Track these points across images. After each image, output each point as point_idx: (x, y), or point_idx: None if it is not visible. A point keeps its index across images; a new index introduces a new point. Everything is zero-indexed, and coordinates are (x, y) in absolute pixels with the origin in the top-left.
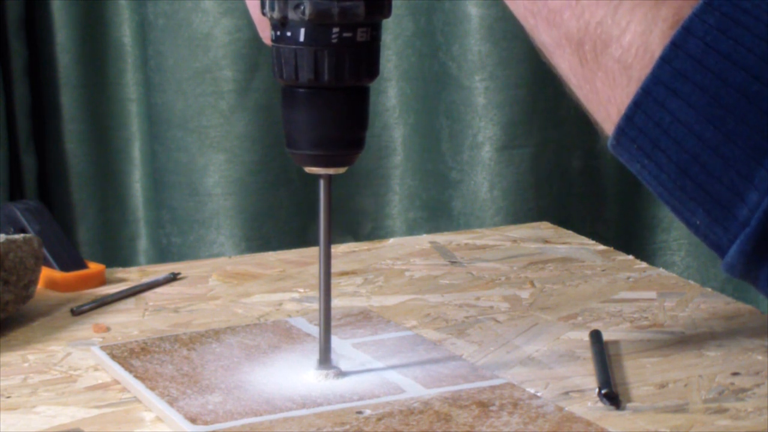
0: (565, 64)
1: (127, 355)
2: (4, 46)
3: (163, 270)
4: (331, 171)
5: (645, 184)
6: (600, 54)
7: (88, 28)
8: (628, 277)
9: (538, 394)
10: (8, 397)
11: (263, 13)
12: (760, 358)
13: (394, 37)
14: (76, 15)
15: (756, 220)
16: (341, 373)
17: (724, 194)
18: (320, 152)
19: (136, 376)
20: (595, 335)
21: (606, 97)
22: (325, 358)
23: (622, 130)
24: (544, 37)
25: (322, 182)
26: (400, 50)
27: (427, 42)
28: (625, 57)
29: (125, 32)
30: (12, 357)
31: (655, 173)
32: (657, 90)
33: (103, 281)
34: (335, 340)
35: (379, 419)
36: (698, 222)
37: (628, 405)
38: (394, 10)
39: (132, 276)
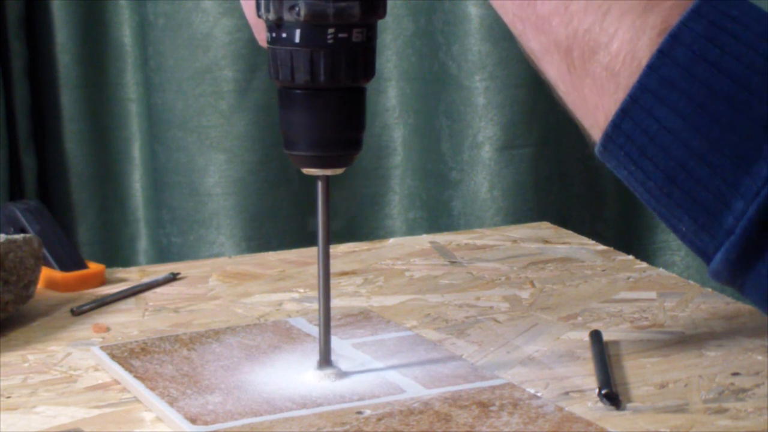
0: (553, 70)
1: (127, 355)
2: (4, 46)
3: (163, 270)
4: (328, 172)
5: (632, 190)
6: (588, 61)
7: (88, 28)
8: (628, 277)
9: (538, 395)
10: (8, 397)
11: (258, 15)
12: (760, 358)
13: (394, 37)
14: (76, 15)
15: (741, 228)
16: (341, 373)
17: (710, 202)
18: (318, 153)
19: (136, 376)
20: (595, 335)
21: (594, 103)
22: (325, 358)
23: (609, 136)
24: (533, 43)
25: (320, 183)
26: (400, 50)
27: (427, 42)
28: (612, 64)
29: (125, 32)
30: (12, 357)
31: (642, 180)
32: (644, 97)
33: (103, 281)
34: (335, 341)
35: (379, 419)
36: (684, 229)
37: (628, 405)
38: (395, 10)
39: (132, 276)
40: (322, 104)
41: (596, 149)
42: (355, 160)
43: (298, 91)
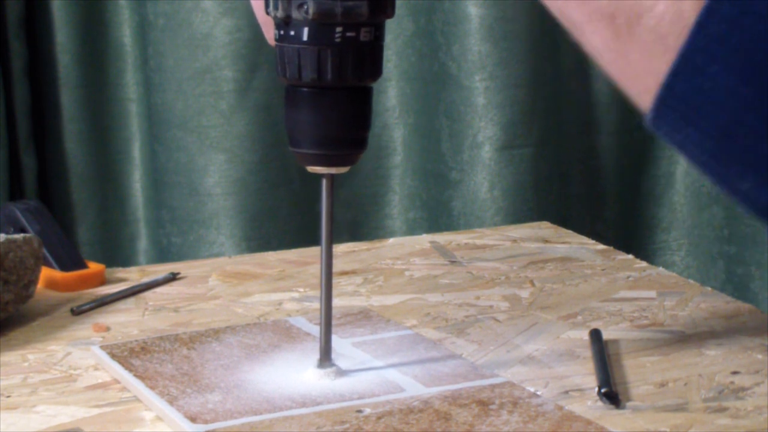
0: (597, 40)
1: (127, 354)
2: (4, 46)
3: (163, 270)
4: (333, 170)
5: (687, 156)
6: (634, 26)
7: (88, 28)
8: (628, 277)
9: (538, 393)
10: (8, 397)
11: (267, 13)
12: (759, 357)
13: (394, 37)
14: (76, 15)
15: None
16: (341, 372)
17: None
18: (323, 152)
19: (136, 376)
20: (595, 334)
21: (642, 69)
22: (326, 357)
23: (662, 100)
24: (575, 14)
25: (324, 182)
26: (400, 50)
27: (427, 42)
28: (659, 26)
29: (125, 32)
30: (12, 357)
31: (698, 141)
32: (694, 56)
33: (103, 281)
34: (335, 339)
35: (379, 418)
36: (746, 186)
37: (628, 404)
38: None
39: (132, 276)
40: (328, 103)
41: (647, 116)
42: (360, 159)
43: (305, 89)
